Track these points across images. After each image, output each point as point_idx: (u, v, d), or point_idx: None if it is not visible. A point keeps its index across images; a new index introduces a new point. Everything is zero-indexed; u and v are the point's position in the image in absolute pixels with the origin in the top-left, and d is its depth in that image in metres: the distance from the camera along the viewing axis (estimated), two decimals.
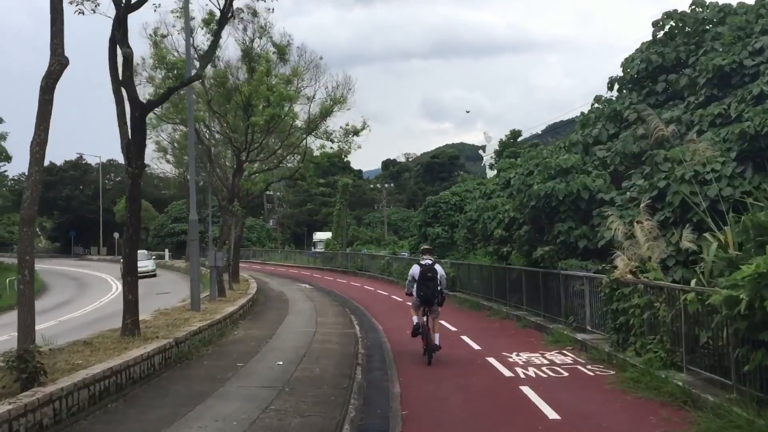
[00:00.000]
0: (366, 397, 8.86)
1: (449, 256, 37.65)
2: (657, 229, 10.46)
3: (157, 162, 39.33)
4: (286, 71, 22.37)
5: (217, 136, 25.75)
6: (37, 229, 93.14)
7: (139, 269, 34.53)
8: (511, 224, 18.06)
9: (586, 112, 19.04)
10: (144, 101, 10.50)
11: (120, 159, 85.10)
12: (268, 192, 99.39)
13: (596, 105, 18.61)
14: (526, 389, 9.11)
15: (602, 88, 19.46)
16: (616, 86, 18.02)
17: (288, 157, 28.03)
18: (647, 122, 12.69)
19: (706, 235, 9.47)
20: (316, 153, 28.31)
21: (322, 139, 26.87)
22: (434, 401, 8.67)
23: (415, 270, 11.80)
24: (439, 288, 11.53)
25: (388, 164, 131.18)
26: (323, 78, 25.90)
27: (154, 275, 37.39)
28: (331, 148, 28.20)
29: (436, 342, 11.43)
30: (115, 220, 71.68)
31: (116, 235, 72.09)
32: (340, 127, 26.84)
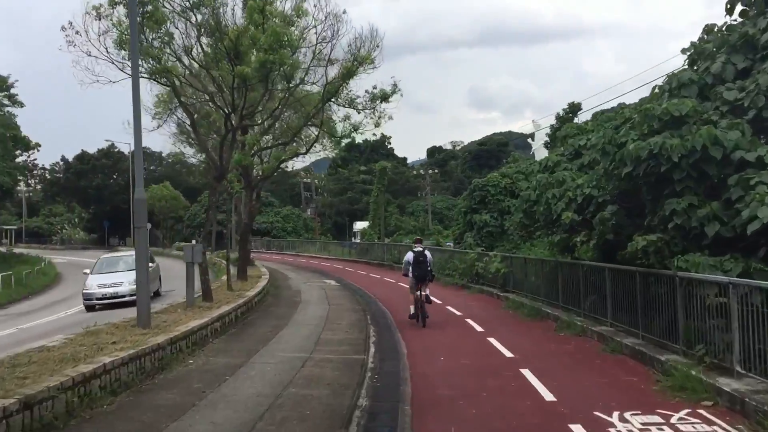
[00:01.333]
0: None
1: (499, 247, 32.68)
2: None
3: (179, 146, 35.31)
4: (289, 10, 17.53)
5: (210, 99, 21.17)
6: (75, 220, 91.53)
7: (91, 291, 20.63)
8: (587, 204, 13.00)
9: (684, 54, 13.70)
10: None
11: (152, 146, 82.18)
12: (305, 180, 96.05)
13: (707, 37, 13.30)
14: None
15: (653, 72, 14.16)
16: (739, 7, 12.67)
17: (304, 132, 23.38)
18: None
19: None
20: (338, 124, 23.57)
21: (344, 106, 22.14)
22: None
23: (409, 256, 14.82)
24: (429, 269, 14.54)
25: (433, 152, 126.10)
26: (344, 30, 21.02)
27: (131, 300, 18.72)
28: (360, 128, 23.40)
29: (426, 313, 14.37)
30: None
31: (148, 225, 69.34)
32: (366, 92, 22.05)
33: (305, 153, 24.03)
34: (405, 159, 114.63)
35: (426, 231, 77.04)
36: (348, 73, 21.19)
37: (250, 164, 20.45)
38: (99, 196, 75.59)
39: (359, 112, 21.27)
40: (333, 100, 21.96)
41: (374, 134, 53.29)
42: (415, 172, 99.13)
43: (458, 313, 16.54)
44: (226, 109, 16.60)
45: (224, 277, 23.09)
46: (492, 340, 12.38)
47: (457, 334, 13.34)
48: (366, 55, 21.34)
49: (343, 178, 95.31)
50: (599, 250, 12.73)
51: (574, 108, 36.19)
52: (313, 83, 21.78)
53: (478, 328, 14.01)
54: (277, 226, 70.14)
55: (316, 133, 24.08)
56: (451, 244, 46.67)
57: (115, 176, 78.28)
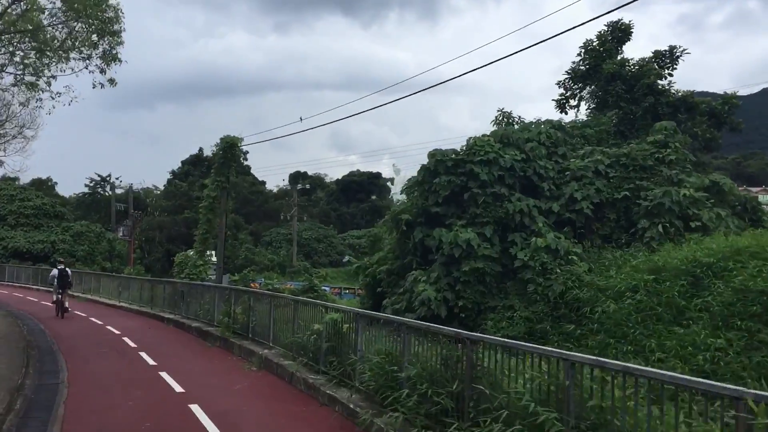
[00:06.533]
0: None
1: (509, 326, 12.48)
2: None
3: None
4: None
5: None
6: None
7: None
8: None
9: None
10: None
11: None
12: (117, 187, 71.13)
13: None
14: None
15: None
16: None
17: None
18: None
19: None
20: None
21: None
22: None
23: (55, 272, 23.08)
24: (69, 280, 23.09)
25: (297, 177, 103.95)
26: None
27: None
28: None
29: (66, 306, 22.32)
30: None
31: None
32: None
33: None
34: (264, 183, 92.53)
35: (289, 268, 55.83)
36: None
37: None
38: None
39: None
40: None
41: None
42: (276, 190, 77.43)
43: None
44: None
45: None
46: None
47: None
48: None
49: (180, 193, 71.50)
50: None
51: (625, 29, 17.80)
52: None
53: None
54: (61, 249, 45.89)
55: None
56: (327, 289, 26.87)
57: None
